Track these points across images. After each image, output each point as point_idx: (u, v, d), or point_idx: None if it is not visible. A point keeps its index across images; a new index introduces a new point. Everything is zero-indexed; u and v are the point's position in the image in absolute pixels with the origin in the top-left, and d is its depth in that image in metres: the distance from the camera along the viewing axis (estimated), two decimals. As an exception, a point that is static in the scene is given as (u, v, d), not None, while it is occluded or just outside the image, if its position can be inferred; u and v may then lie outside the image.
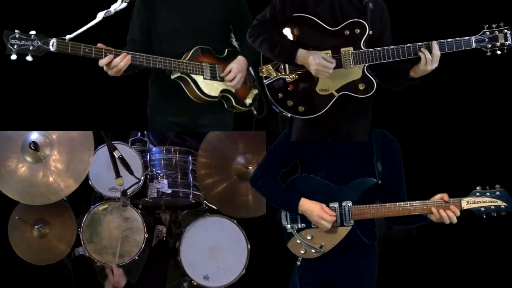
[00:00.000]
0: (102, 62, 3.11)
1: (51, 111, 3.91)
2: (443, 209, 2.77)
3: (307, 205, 2.84)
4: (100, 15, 3.14)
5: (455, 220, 2.76)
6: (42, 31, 3.00)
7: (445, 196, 2.78)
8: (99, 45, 3.12)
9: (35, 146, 3.25)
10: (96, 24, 3.11)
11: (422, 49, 2.95)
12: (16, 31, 2.95)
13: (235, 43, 3.59)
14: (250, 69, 3.55)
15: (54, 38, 3.00)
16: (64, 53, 3.02)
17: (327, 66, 2.97)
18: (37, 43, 2.97)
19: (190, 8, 3.41)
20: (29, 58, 2.97)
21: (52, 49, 3.00)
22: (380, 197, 2.91)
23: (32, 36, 2.97)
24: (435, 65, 2.95)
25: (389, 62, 3.03)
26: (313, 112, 3.06)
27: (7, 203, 3.34)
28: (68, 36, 3.04)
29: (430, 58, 2.93)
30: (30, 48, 2.96)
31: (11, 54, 2.93)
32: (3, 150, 3.26)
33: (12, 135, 3.28)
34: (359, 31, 3.01)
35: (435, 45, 2.94)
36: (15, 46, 2.93)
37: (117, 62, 3.12)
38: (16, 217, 3.40)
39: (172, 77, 3.35)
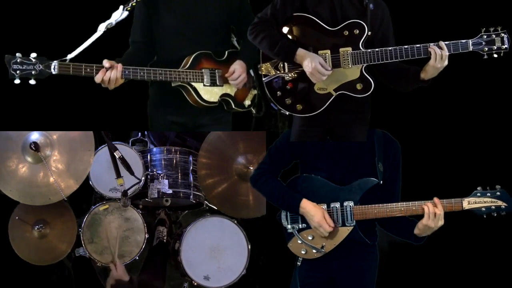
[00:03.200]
0: (97, 79, 3.12)
1: (51, 111, 3.91)
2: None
3: (308, 208, 2.84)
4: (102, 28, 3.14)
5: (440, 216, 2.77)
6: (43, 48, 3.03)
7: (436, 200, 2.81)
8: (105, 61, 3.13)
9: (35, 147, 3.25)
10: (99, 37, 3.13)
11: (431, 45, 2.95)
12: (17, 55, 2.98)
13: (236, 43, 3.59)
14: (250, 70, 3.56)
15: (55, 61, 3.03)
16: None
17: (322, 72, 2.97)
18: (39, 67, 3.00)
19: (192, 8, 3.41)
20: (32, 82, 3.01)
21: (54, 72, 3.03)
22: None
23: (33, 60, 3.00)
24: (445, 63, 2.94)
25: (399, 63, 3.04)
26: (311, 110, 3.06)
27: (7, 203, 3.35)
28: (69, 56, 3.06)
29: (440, 54, 2.92)
30: (33, 73, 3.00)
31: (14, 79, 2.97)
32: (3, 150, 3.27)
33: (13, 135, 3.29)
34: (358, 31, 3.01)
35: (442, 44, 2.95)
36: (18, 72, 2.97)
37: (108, 76, 3.12)
38: (16, 217, 3.41)
39: (173, 85, 3.37)
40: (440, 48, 2.93)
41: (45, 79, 3.06)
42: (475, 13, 3.72)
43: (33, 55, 3.01)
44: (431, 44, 2.95)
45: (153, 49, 3.45)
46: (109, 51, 3.23)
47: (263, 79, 3.13)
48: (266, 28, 3.05)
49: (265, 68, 3.12)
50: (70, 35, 3.27)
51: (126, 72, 3.19)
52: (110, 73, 3.12)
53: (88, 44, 3.11)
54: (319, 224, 2.81)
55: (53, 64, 3.03)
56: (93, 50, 3.15)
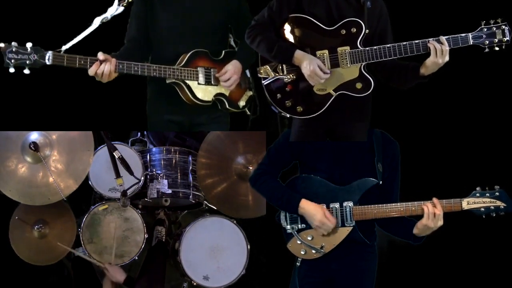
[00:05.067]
0: (91, 72, 3.13)
1: (51, 111, 3.92)
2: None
3: (308, 208, 2.84)
4: (97, 21, 3.15)
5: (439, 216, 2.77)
6: (38, 38, 3.03)
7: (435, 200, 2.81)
8: (100, 53, 3.14)
9: (35, 147, 3.25)
10: (94, 30, 3.13)
11: (431, 41, 2.94)
12: (13, 43, 2.99)
13: (233, 42, 3.59)
14: (247, 71, 3.56)
15: (49, 52, 3.04)
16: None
17: (320, 75, 2.97)
18: (34, 56, 3.02)
19: (190, 8, 3.42)
20: (26, 71, 3.02)
21: (48, 62, 3.04)
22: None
23: (29, 49, 3.01)
24: (446, 58, 2.93)
25: (397, 60, 3.02)
26: (311, 112, 3.05)
27: (7, 203, 3.35)
28: (64, 47, 3.07)
29: (440, 49, 2.91)
30: (27, 62, 3.01)
31: (9, 68, 2.98)
32: (3, 150, 3.27)
33: (12, 135, 3.29)
34: (355, 30, 3.00)
35: (442, 39, 2.93)
36: (13, 60, 2.98)
37: (102, 69, 3.13)
38: (16, 217, 3.42)
39: (167, 81, 3.38)
40: (441, 43, 2.92)
41: (45, 78, 3.07)
42: (474, 6, 3.69)
43: (29, 44, 3.02)
44: (430, 39, 2.94)
45: (148, 48, 3.46)
46: (104, 46, 3.22)
47: (263, 81, 3.13)
48: (263, 31, 3.05)
49: (264, 70, 3.12)
50: (66, 28, 3.27)
51: (120, 66, 3.20)
52: (104, 67, 3.13)
53: (83, 37, 3.12)
54: (321, 222, 2.80)
55: (47, 54, 3.04)
56: (88, 44, 3.15)
